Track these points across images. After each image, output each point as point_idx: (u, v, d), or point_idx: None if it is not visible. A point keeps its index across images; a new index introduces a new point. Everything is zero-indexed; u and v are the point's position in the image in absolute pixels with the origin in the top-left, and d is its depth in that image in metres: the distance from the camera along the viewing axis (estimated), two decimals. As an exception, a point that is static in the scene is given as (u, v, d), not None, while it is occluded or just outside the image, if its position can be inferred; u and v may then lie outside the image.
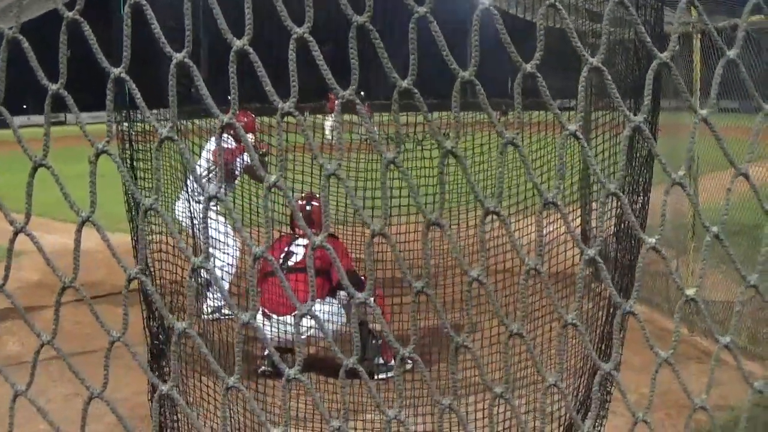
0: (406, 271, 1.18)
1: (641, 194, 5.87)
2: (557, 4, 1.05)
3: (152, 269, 5.82)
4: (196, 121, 6.61)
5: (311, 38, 1.07)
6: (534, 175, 1.14)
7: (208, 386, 5.60)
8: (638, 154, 5.92)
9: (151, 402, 5.27)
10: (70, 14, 1.08)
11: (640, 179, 5.95)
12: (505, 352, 1.16)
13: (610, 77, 1.09)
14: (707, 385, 1.30)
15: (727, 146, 1.39)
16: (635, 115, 4.48)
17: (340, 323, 7.60)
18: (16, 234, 1.22)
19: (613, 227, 6.05)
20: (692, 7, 5.88)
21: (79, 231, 1.14)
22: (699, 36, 9.13)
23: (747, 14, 1.27)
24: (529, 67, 1.05)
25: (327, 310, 7.50)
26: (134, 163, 5.68)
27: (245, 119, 9.78)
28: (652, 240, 1.18)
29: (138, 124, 5.79)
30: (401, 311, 7.23)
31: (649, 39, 1.11)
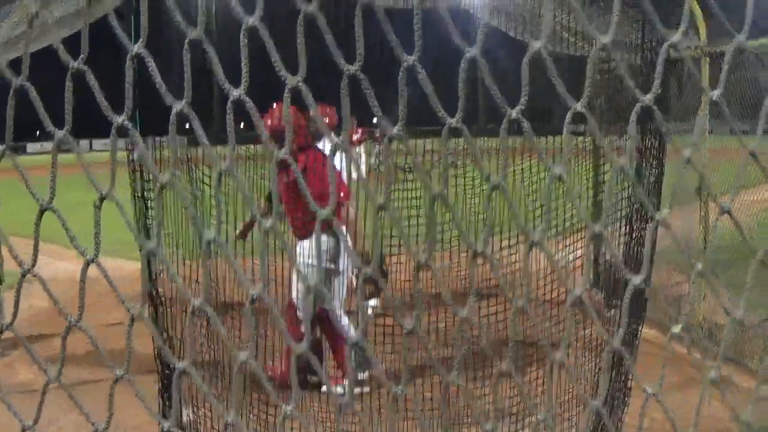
0: (398, 309, 1.21)
1: (649, 221, 5.90)
2: (542, 50, 1.09)
3: (162, 297, 5.87)
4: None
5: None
6: (521, 218, 1.18)
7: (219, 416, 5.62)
8: (646, 181, 5.96)
9: None
10: (75, 64, 1.12)
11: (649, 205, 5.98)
12: (494, 393, 1.19)
13: (594, 121, 1.13)
14: (695, 410, 1.33)
15: (715, 179, 1.42)
16: (643, 137, 4.49)
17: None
18: (23, 276, 1.26)
19: (622, 255, 6.07)
20: (699, 31, 5.89)
21: (84, 272, 1.18)
22: (707, 60, 9.12)
23: (730, 53, 1.31)
24: (514, 113, 1.09)
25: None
26: (144, 194, 5.73)
27: (328, 111, 9.44)
28: (638, 278, 1.22)
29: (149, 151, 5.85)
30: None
31: (631, 82, 1.15)
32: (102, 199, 1.12)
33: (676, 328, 1.24)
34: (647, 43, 6.43)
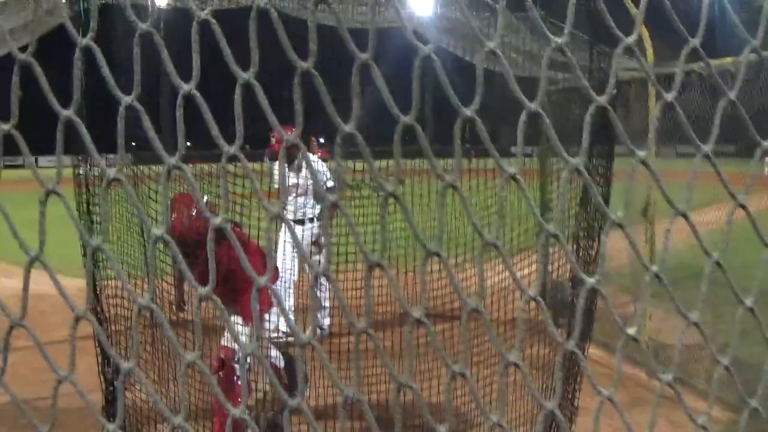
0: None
1: (597, 239, 5.95)
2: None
3: (107, 313, 5.79)
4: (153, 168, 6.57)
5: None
6: (474, 217, 1.17)
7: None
8: (594, 200, 6.01)
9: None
10: (23, 57, 1.09)
11: (596, 224, 6.04)
12: (448, 398, 1.17)
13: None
14: (650, 422, 1.32)
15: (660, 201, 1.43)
16: (590, 158, 4.54)
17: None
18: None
19: (569, 272, 6.12)
20: (647, 53, 5.95)
21: (27, 270, 1.15)
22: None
23: (680, 74, 1.32)
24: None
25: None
26: (90, 208, 5.65)
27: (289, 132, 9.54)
28: (592, 280, 1.21)
29: (96, 168, 5.77)
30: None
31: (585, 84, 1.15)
32: (47, 193, 1.09)
33: (631, 330, 1.23)
34: (596, 64, 6.52)
